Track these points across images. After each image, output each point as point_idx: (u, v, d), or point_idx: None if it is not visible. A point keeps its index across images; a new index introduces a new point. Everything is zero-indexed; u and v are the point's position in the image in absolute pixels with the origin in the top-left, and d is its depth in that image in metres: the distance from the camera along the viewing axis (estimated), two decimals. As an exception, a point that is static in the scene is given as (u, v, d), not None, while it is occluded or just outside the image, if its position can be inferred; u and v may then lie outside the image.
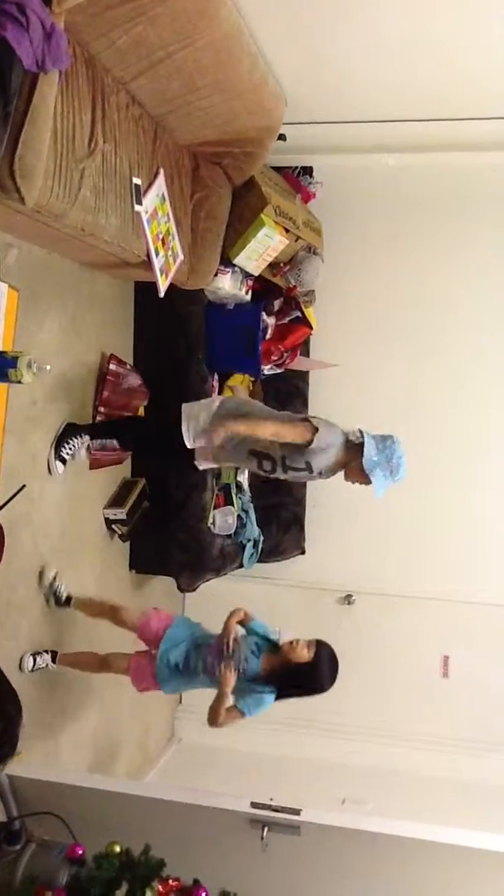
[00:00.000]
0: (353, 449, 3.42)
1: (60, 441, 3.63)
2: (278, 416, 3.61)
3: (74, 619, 3.81)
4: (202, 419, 3.54)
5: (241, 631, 3.53)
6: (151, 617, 3.64)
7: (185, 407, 3.59)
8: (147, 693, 3.68)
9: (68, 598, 3.70)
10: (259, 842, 2.73)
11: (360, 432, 3.42)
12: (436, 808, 4.38)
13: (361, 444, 3.37)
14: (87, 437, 3.73)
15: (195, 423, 3.54)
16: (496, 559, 4.96)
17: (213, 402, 3.65)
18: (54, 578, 3.66)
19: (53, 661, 3.62)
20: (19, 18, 2.17)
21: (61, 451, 3.64)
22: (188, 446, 3.56)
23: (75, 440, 3.67)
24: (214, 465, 3.85)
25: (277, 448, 3.46)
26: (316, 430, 3.40)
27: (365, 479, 3.38)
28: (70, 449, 3.66)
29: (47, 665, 3.60)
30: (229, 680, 3.32)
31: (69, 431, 3.67)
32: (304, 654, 3.37)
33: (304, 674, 3.39)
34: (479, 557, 4.97)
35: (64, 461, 3.66)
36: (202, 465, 3.72)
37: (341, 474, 3.54)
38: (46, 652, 3.61)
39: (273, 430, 3.41)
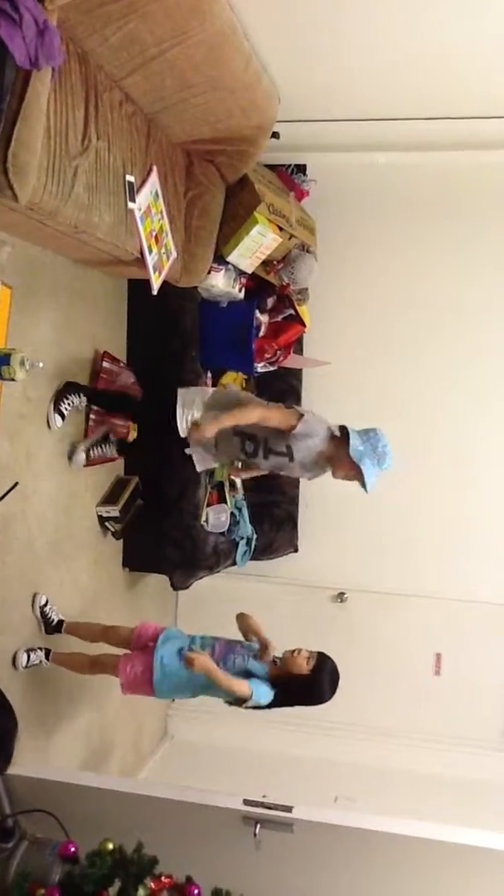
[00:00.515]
0: (337, 441, 3.44)
1: (59, 396, 3.69)
2: (266, 403, 3.66)
3: (68, 617, 3.80)
4: (196, 403, 3.62)
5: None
6: (147, 623, 3.67)
7: (180, 392, 3.65)
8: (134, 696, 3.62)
9: (59, 623, 3.70)
10: (252, 839, 2.74)
11: (344, 426, 3.44)
12: (428, 806, 4.40)
13: (346, 437, 3.38)
14: (84, 398, 3.83)
15: (189, 410, 3.60)
16: (488, 557, 4.98)
17: (206, 390, 3.77)
18: (45, 604, 3.66)
19: (47, 658, 3.62)
20: (12, 15, 2.17)
21: (60, 405, 3.69)
22: (180, 434, 3.60)
23: (73, 397, 3.75)
24: (210, 464, 3.85)
25: (261, 427, 3.49)
26: (301, 416, 3.46)
27: (353, 470, 3.35)
28: (69, 405, 3.73)
29: (41, 662, 3.60)
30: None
31: (68, 388, 3.74)
32: (303, 667, 3.36)
33: (303, 685, 3.39)
34: (472, 555, 4.99)
35: (63, 415, 3.72)
36: (199, 467, 3.78)
37: (327, 477, 3.58)
38: (40, 649, 3.61)
39: (260, 413, 3.48)
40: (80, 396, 3.79)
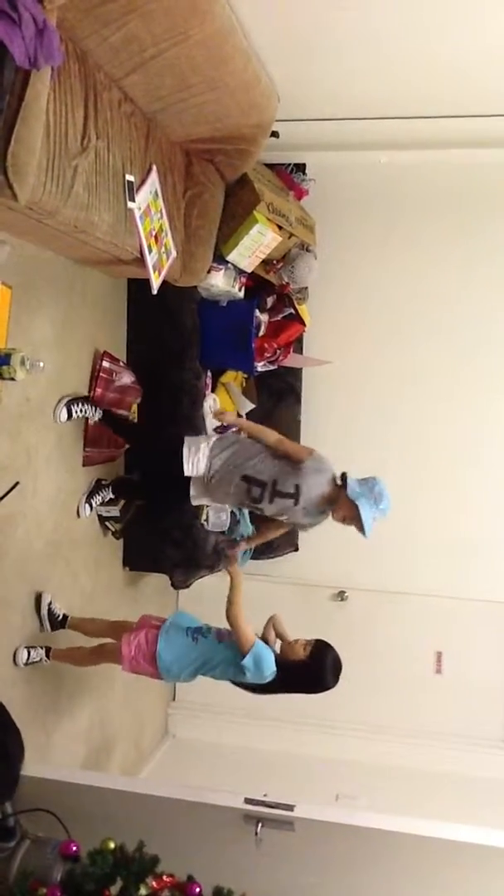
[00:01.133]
0: (337, 486, 3.53)
1: (93, 492, 4.10)
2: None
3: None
4: (202, 448, 3.64)
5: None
6: (152, 615, 3.70)
7: (187, 439, 3.68)
8: (136, 673, 3.57)
9: (64, 618, 3.72)
10: (253, 838, 2.74)
11: (344, 473, 3.55)
12: (430, 803, 4.41)
13: (345, 481, 3.48)
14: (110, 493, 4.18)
15: (195, 451, 3.63)
16: (489, 555, 4.98)
17: (210, 436, 3.83)
18: (50, 602, 3.69)
19: (48, 656, 3.63)
20: (11, 15, 2.17)
21: (91, 498, 4.10)
22: (186, 473, 3.62)
23: (105, 493, 4.16)
24: (206, 501, 3.88)
25: (270, 466, 3.56)
26: (312, 451, 3.59)
27: (352, 512, 3.41)
28: (98, 500, 4.16)
29: (41, 659, 3.60)
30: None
31: (99, 486, 4.14)
32: (300, 653, 3.40)
33: (302, 671, 3.41)
34: (472, 554, 4.99)
35: (91, 507, 4.11)
36: (195, 501, 3.79)
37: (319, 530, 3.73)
38: (41, 647, 3.61)
39: (278, 436, 3.63)
40: (108, 490, 4.16)
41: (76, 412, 3.81)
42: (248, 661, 3.30)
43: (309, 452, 3.58)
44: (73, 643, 3.79)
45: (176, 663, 3.47)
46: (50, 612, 3.67)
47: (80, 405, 3.83)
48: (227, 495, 3.66)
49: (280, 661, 3.39)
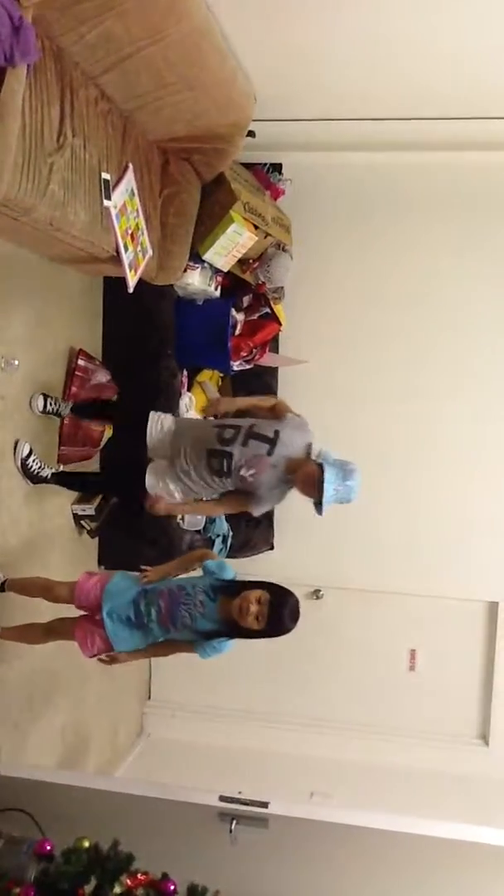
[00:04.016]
0: (309, 455, 3.38)
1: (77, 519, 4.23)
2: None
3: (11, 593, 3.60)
4: (166, 424, 3.59)
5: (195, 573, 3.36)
6: (84, 580, 3.30)
7: (152, 414, 3.61)
8: (97, 658, 3.31)
9: (3, 584, 3.51)
10: (228, 835, 2.75)
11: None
12: (403, 800, 4.45)
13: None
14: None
15: (161, 425, 3.58)
16: (462, 554, 5.02)
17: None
18: None
19: None
20: (-13, 12, 2.16)
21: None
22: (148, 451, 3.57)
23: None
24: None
25: (248, 418, 3.47)
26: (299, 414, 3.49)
27: (316, 474, 3.22)
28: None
29: None
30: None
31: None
32: (255, 626, 3.02)
33: (260, 633, 3.08)
34: (446, 553, 5.03)
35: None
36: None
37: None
38: None
39: (252, 400, 3.56)
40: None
41: (50, 403, 3.80)
42: (204, 655, 3.15)
43: (293, 412, 3.48)
44: (20, 621, 3.54)
45: (136, 646, 3.25)
46: None
47: (53, 398, 3.83)
48: (196, 440, 3.45)
49: (233, 622, 3.07)
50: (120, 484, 3.96)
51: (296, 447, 3.38)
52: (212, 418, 3.59)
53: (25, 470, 3.66)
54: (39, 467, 3.73)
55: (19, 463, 3.63)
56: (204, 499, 3.81)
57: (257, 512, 3.52)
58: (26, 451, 3.66)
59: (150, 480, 3.53)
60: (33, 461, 3.69)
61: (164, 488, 3.52)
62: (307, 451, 3.40)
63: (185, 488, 3.53)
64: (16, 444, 3.62)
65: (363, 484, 3.35)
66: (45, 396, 3.79)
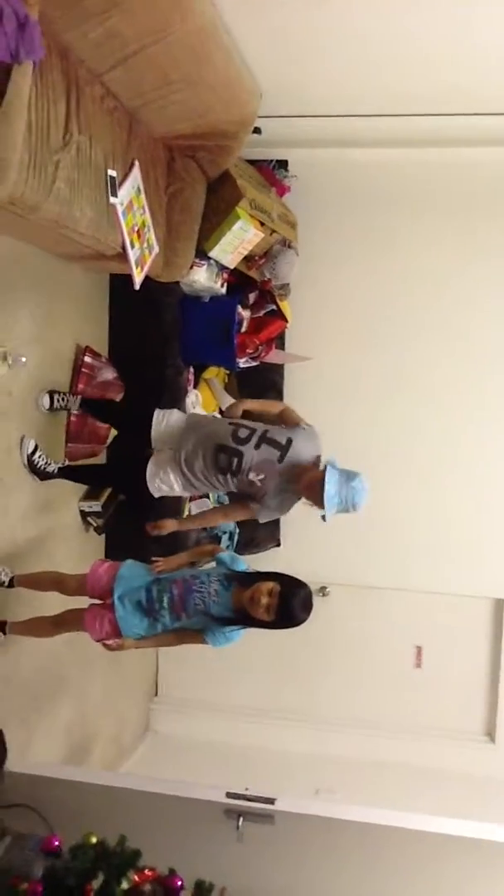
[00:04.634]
0: (317, 465, 3.38)
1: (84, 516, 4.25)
2: None
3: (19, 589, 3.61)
4: (172, 419, 3.58)
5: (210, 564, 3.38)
6: (98, 566, 3.34)
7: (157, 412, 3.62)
8: (102, 644, 3.25)
9: (11, 580, 3.50)
10: (234, 831, 2.76)
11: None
12: (409, 797, 4.45)
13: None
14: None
15: (166, 422, 3.57)
16: (469, 551, 5.02)
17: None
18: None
19: (3, 631, 3.48)
20: (-7, 9, 2.16)
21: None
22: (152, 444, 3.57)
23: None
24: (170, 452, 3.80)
25: (262, 423, 3.47)
26: (310, 425, 3.49)
27: (319, 477, 3.21)
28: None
29: None
30: None
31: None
32: (265, 617, 3.04)
33: (272, 624, 3.08)
34: (452, 550, 5.03)
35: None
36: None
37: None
38: None
39: (282, 406, 3.58)
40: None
41: (57, 400, 3.80)
42: (215, 644, 3.16)
43: (306, 423, 3.49)
44: (29, 615, 3.54)
45: (145, 634, 3.24)
46: None
47: (61, 394, 3.84)
48: (208, 435, 3.44)
49: (244, 612, 3.10)
50: (124, 479, 3.95)
51: (305, 457, 3.39)
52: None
53: (32, 466, 3.67)
54: (45, 463, 3.73)
55: (25, 459, 3.64)
56: (201, 496, 3.83)
57: (263, 519, 3.51)
58: (31, 448, 3.66)
59: (150, 469, 3.52)
60: (39, 457, 3.69)
61: (164, 478, 3.51)
62: (315, 461, 3.41)
63: (185, 482, 3.52)
64: (21, 440, 3.63)
65: (369, 484, 3.32)
66: (52, 394, 3.79)
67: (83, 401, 3.98)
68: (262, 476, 3.35)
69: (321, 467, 3.32)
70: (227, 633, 3.14)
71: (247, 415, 3.61)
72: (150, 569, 3.30)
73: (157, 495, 3.58)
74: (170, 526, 3.53)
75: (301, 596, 3.09)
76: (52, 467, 3.78)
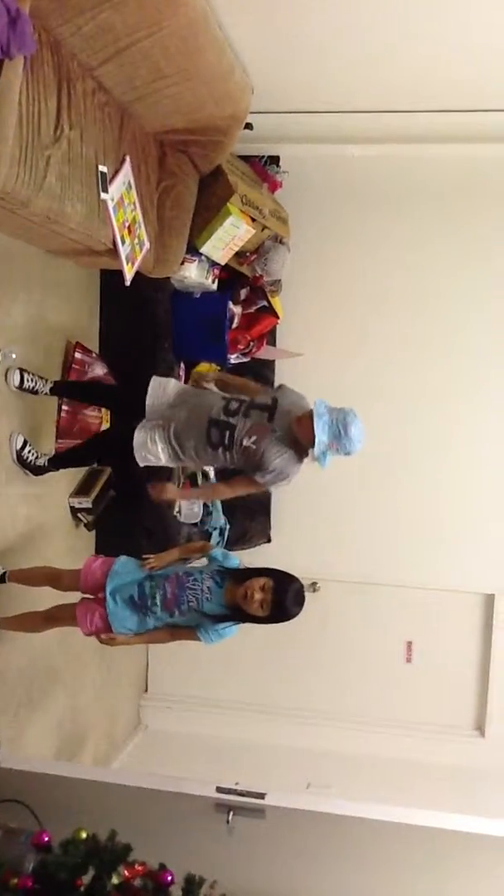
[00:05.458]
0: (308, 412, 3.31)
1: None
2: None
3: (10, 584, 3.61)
4: (169, 387, 3.55)
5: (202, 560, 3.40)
6: (91, 560, 3.37)
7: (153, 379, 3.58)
8: (96, 637, 3.26)
9: (3, 576, 3.52)
10: (225, 826, 2.76)
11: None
12: (400, 792, 4.47)
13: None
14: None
15: (164, 390, 3.54)
16: (458, 547, 5.04)
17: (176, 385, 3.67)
18: None
19: None
20: (-16, 3, 2.15)
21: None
22: (146, 413, 3.50)
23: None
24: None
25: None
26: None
27: (309, 421, 3.18)
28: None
29: None
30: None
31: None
32: (259, 612, 3.08)
33: (265, 619, 3.12)
34: (443, 545, 5.05)
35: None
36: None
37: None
38: None
39: (244, 381, 3.56)
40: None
41: (28, 380, 3.63)
42: (208, 641, 3.18)
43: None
44: (19, 609, 3.54)
45: (135, 630, 3.27)
46: None
47: (32, 375, 3.66)
48: (199, 406, 3.42)
49: (238, 608, 3.12)
50: (111, 449, 3.89)
51: (294, 407, 3.36)
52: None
53: (23, 462, 3.66)
54: (35, 457, 3.72)
55: (15, 455, 3.63)
56: (189, 468, 3.79)
57: (270, 484, 3.43)
58: (20, 443, 3.65)
59: (138, 438, 3.45)
60: (29, 452, 3.68)
61: (151, 448, 3.44)
62: (306, 410, 3.33)
63: (172, 453, 3.47)
64: (10, 436, 3.62)
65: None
66: (23, 372, 3.61)
67: (56, 385, 3.83)
68: (254, 437, 3.31)
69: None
70: (220, 629, 3.16)
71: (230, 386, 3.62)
72: (140, 564, 3.30)
73: (142, 464, 3.51)
74: (171, 491, 3.50)
75: (293, 590, 3.12)
76: (42, 460, 3.76)
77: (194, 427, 3.40)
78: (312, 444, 3.20)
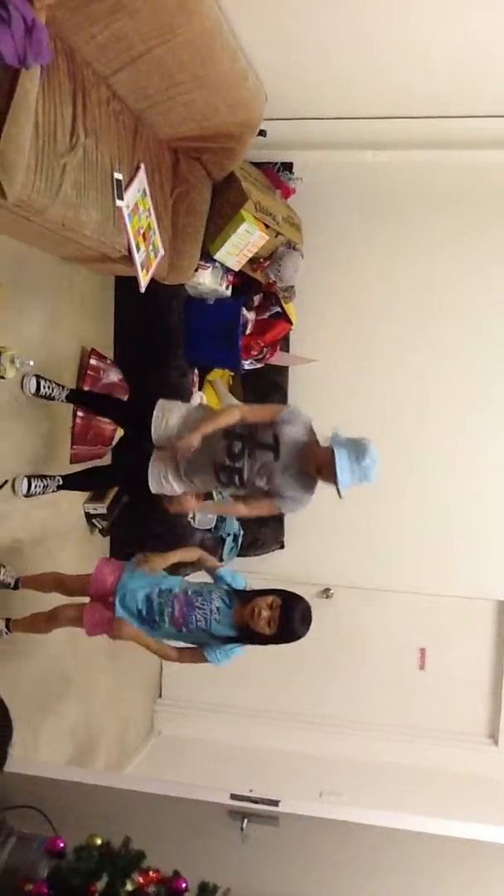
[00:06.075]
0: (314, 435, 3.36)
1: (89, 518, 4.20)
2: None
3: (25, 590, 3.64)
4: (175, 414, 3.51)
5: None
6: (103, 564, 3.39)
7: (160, 402, 3.55)
8: (102, 635, 3.32)
9: (17, 582, 3.54)
10: (238, 833, 2.76)
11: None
12: (413, 799, 4.43)
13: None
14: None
15: (166, 423, 3.49)
16: (472, 553, 5.02)
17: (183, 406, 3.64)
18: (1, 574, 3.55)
19: (7, 628, 3.51)
20: (1, 14, 2.17)
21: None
22: (154, 442, 3.49)
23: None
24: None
25: (247, 427, 3.42)
26: (281, 408, 3.48)
27: (328, 459, 3.19)
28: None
29: (1, 632, 3.50)
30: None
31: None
32: (266, 630, 3.12)
33: (272, 638, 3.17)
34: (456, 552, 5.03)
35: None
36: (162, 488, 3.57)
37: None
38: (0, 618, 3.51)
39: (242, 412, 3.44)
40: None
41: (44, 386, 3.62)
42: (215, 661, 3.24)
43: (278, 409, 3.44)
44: (31, 611, 3.56)
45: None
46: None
47: (48, 382, 3.66)
48: (202, 451, 3.39)
49: (245, 626, 3.16)
50: (128, 479, 3.92)
51: (298, 437, 3.36)
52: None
53: (34, 495, 3.63)
54: (44, 486, 3.70)
55: (24, 495, 3.59)
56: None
57: (289, 511, 3.57)
58: (25, 488, 3.57)
59: (151, 471, 3.47)
60: (35, 487, 3.62)
61: (164, 483, 3.48)
62: (311, 434, 3.37)
63: (186, 486, 3.52)
64: (13, 483, 3.55)
65: (377, 453, 3.30)
66: (39, 379, 3.60)
67: (73, 393, 3.83)
68: (265, 478, 3.38)
69: (323, 441, 3.29)
70: (226, 649, 3.21)
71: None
72: (145, 571, 3.31)
73: (156, 493, 3.55)
74: (189, 503, 3.53)
75: (301, 609, 3.16)
76: (52, 486, 3.74)
77: (201, 469, 3.43)
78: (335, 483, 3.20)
